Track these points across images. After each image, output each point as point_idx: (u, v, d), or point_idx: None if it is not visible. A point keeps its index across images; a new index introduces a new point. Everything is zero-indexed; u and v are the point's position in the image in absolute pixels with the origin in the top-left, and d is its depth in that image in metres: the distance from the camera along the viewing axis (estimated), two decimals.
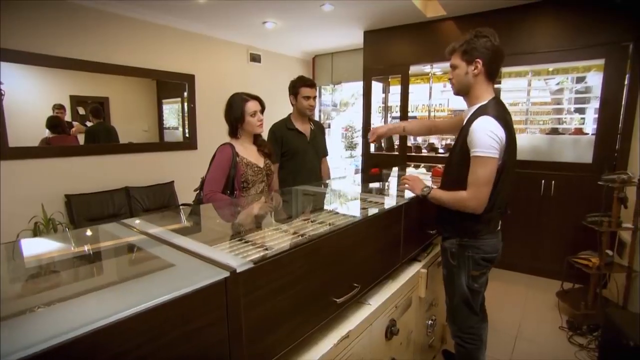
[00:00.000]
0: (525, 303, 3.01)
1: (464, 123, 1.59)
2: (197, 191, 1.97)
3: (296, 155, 2.47)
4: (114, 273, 0.95)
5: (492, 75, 1.54)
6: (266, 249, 1.10)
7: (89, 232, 1.27)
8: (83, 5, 3.13)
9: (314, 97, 2.49)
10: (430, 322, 2.03)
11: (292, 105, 2.53)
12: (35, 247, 1.21)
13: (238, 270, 0.81)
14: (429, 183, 2.27)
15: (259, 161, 2.04)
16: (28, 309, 0.69)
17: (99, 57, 3.28)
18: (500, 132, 1.43)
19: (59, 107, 3.18)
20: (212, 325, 0.77)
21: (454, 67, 1.57)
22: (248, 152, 2.00)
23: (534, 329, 2.63)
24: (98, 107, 3.48)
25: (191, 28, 3.96)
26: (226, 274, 0.79)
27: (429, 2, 3.51)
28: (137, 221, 1.29)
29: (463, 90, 1.58)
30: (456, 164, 1.59)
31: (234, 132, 1.99)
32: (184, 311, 0.71)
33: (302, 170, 2.49)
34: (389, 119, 5.19)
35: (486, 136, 1.42)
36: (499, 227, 1.69)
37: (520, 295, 3.13)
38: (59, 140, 3.23)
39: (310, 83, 2.46)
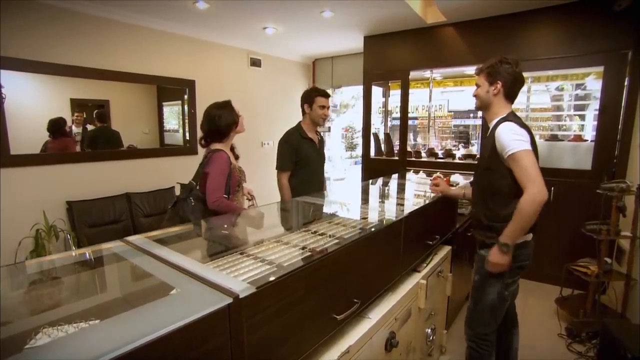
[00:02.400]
0: (525, 309, 3.02)
1: (487, 135, 1.74)
2: (186, 198, 1.96)
3: (308, 164, 2.52)
4: (117, 300, 0.96)
5: (510, 97, 1.71)
6: (267, 264, 1.12)
7: (91, 254, 1.28)
8: (82, 12, 3.14)
9: (328, 107, 2.53)
10: (429, 331, 2.05)
11: (305, 113, 2.54)
12: (33, 271, 1.22)
13: (241, 296, 0.83)
14: (427, 188, 2.29)
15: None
16: (26, 344, 0.70)
17: (100, 63, 3.29)
18: (522, 131, 1.57)
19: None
20: (215, 351, 0.78)
21: (478, 85, 1.75)
22: (232, 157, 2.10)
23: (533, 335, 2.64)
24: (103, 112, 3.49)
25: (191, 33, 3.97)
26: (229, 300, 0.80)
27: (429, 8, 3.52)
28: (139, 239, 1.30)
29: (483, 106, 1.75)
30: (484, 169, 1.72)
31: (223, 137, 2.07)
32: (187, 339, 0.72)
33: (313, 179, 2.55)
34: (389, 122, 5.22)
35: (512, 133, 1.56)
36: (532, 237, 1.73)
37: (519, 301, 3.08)
38: (59, 143, 3.21)
39: (325, 93, 2.52)
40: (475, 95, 1.78)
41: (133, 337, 0.65)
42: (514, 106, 1.75)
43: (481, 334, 1.80)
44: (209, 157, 1.98)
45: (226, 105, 2.07)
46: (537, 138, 3.79)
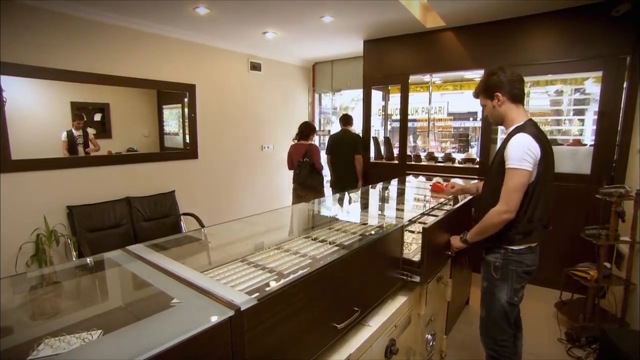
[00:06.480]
0: (524, 313, 2.99)
1: (504, 140, 1.76)
2: (307, 164, 3.86)
3: None
4: (117, 310, 0.97)
5: (517, 97, 1.71)
6: (268, 272, 1.13)
7: (91, 263, 1.29)
8: (83, 17, 3.15)
9: None
10: (429, 336, 2.05)
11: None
12: (34, 281, 1.23)
13: (242, 308, 0.83)
14: (427, 191, 2.30)
15: None
16: (29, 355, 0.70)
17: (100, 68, 3.29)
18: (534, 148, 1.58)
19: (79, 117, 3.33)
20: None
21: (483, 105, 1.81)
22: None
23: (532, 340, 2.64)
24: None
25: (192, 38, 3.99)
26: (230, 312, 0.81)
27: (428, 13, 3.54)
28: (142, 249, 1.30)
29: (498, 120, 1.78)
30: (494, 175, 1.74)
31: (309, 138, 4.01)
32: (190, 353, 0.73)
33: None
34: (389, 125, 5.22)
35: (521, 150, 1.58)
36: (536, 244, 1.76)
37: None
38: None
39: None
40: (486, 116, 1.84)
41: (136, 352, 0.65)
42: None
43: (500, 340, 1.83)
44: (312, 147, 3.88)
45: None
46: None
